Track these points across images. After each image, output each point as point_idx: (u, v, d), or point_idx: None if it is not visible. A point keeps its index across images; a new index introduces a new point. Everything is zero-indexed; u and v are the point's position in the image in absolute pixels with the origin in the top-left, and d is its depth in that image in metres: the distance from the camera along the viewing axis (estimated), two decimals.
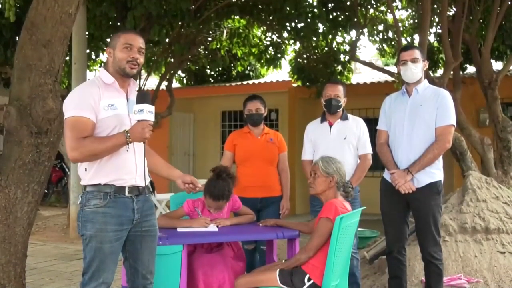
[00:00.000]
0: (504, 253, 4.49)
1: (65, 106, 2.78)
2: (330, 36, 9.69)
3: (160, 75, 11.15)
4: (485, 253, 4.50)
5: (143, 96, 2.76)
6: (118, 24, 8.28)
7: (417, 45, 7.07)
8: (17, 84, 3.48)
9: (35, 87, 3.44)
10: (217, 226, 3.67)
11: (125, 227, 2.82)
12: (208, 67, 12.62)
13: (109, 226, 2.76)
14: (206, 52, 11.01)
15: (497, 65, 9.65)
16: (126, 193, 2.81)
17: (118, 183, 2.79)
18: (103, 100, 2.78)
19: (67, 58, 7.78)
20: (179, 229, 3.57)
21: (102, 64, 10.08)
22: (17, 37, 7.24)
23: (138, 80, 9.55)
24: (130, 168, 2.84)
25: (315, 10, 8.84)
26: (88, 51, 8.54)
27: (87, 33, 8.01)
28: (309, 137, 4.48)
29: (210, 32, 10.01)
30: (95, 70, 11.08)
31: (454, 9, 8.33)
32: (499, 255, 4.48)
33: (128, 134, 2.71)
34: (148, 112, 2.71)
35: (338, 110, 4.33)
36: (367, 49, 27.34)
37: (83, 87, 2.87)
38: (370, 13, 9.71)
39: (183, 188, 3.16)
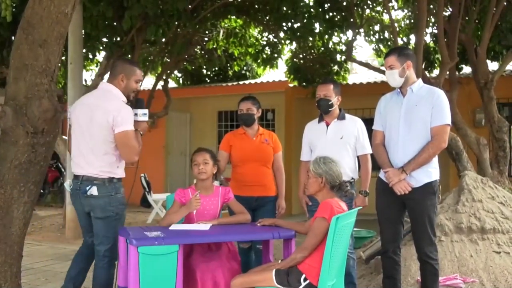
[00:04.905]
0: (500, 253, 4.51)
1: (125, 119, 3.53)
2: (326, 36, 9.70)
3: (156, 75, 11.14)
4: (480, 253, 4.51)
5: (142, 102, 3.75)
6: (115, 24, 8.27)
7: (413, 46, 7.07)
8: (13, 83, 3.47)
9: (31, 87, 3.44)
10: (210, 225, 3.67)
11: None
12: (204, 67, 12.63)
13: None
14: (203, 52, 11.01)
15: (493, 66, 9.67)
16: None
17: None
18: None
19: (63, 58, 7.76)
20: (172, 227, 3.58)
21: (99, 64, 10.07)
22: (13, 37, 7.21)
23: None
24: None
25: (312, 10, 8.86)
26: (84, 51, 8.50)
27: (83, 32, 7.99)
28: (306, 138, 4.48)
29: (207, 32, 10.00)
30: (91, 70, 11.04)
31: (450, 9, 8.35)
32: (495, 255, 4.49)
33: (142, 133, 3.68)
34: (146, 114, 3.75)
35: (330, 110, 4.32)
36: (364, 49, 27.38)
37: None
38: (366, 13, 9.72)
39: None
